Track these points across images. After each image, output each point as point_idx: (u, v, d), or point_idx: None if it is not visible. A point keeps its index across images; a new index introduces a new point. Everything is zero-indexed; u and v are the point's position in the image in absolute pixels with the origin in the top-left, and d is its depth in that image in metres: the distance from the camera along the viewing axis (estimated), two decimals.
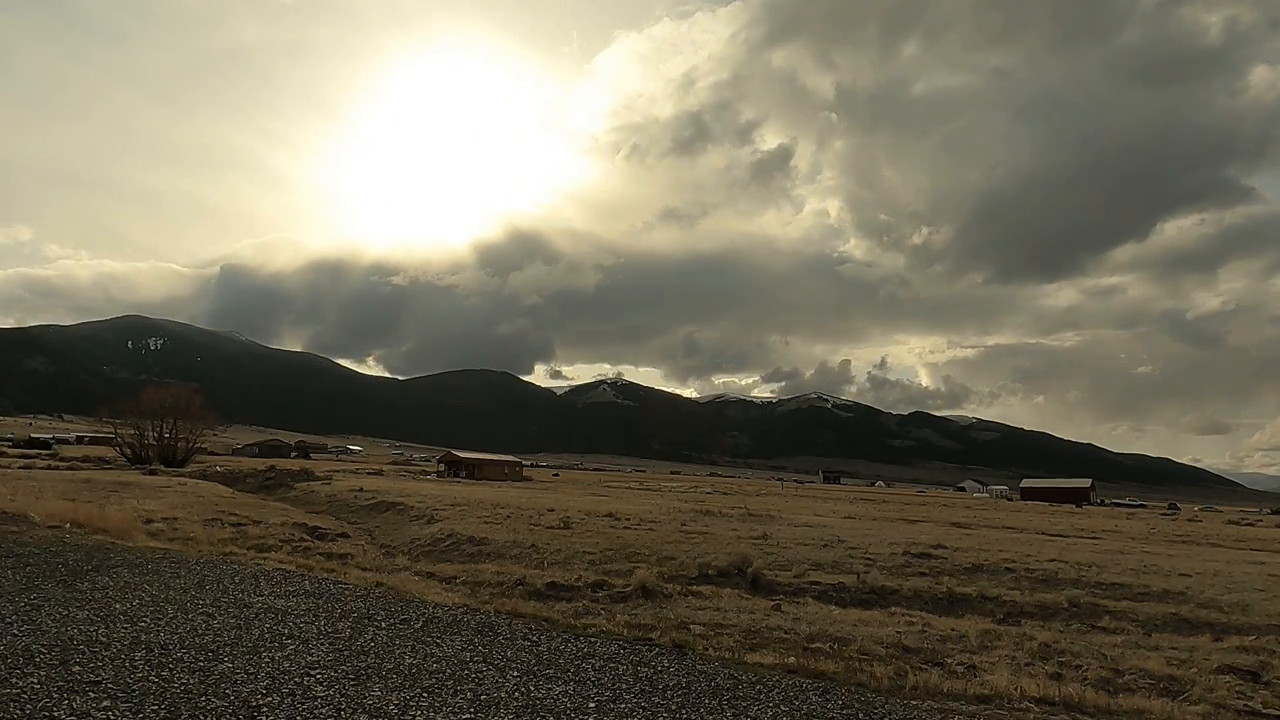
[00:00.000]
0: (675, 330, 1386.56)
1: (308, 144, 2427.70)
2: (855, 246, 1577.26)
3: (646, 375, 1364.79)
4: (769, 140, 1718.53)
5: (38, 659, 5.25)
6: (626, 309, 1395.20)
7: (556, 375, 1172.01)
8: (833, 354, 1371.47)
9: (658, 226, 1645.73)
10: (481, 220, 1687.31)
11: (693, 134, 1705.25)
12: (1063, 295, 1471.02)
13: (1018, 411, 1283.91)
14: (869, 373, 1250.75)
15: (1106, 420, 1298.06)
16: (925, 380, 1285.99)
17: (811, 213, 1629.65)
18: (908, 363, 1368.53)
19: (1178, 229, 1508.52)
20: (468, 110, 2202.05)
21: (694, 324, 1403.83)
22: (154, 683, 4.95)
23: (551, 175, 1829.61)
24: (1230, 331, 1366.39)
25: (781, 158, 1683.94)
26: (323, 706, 4.74)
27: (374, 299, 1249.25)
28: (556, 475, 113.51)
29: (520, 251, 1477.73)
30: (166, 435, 63.91)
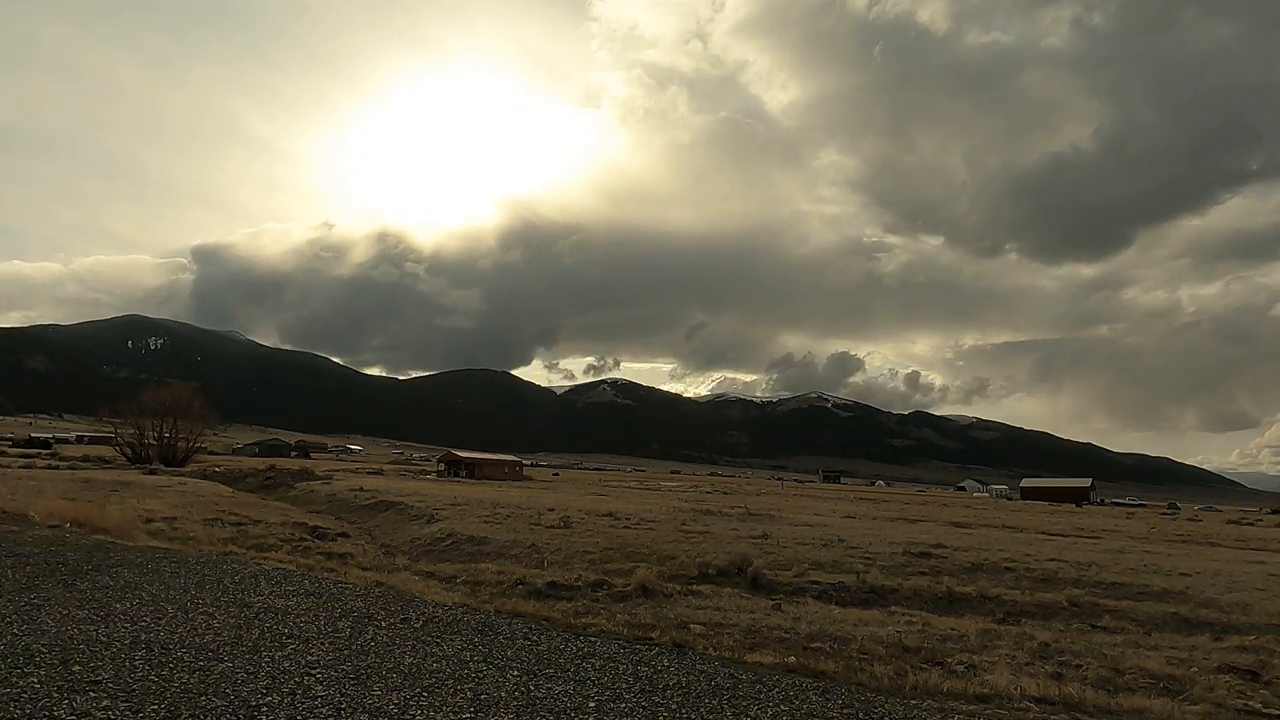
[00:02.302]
0: (682, 320, 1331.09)
1: (301, 120, 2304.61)
2: (882, 227, 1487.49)
3: (650, 370, 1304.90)
4: (791, 99, 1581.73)
5: (38, 658, 5.25)
6: (632, 296, 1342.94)
7: (553, 367, 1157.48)
8: (845, 346, 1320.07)
9: (664, 204, 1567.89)
10: (479, 204, 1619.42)
11: (705, 93, 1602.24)
12: (1097, 284, 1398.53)
13: (1034, 408, 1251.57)
14: (887, 369, 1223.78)
15: (1125, 417, 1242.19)
16: (941, 377, 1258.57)
17: (836, 188, 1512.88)
18: (926, 357, 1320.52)
19: (1243, 208, 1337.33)
20: (467, 86, 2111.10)
21: (702, 313, 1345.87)
22: (154, 682, 4.96)
23: (554, 150, 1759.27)
24: (1269, 324, 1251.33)
25: (806, 121, 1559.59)
26: (323, 706, 4.74)
27: (367, 288, 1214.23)
28: (556, 475, 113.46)
29: (521, 237, 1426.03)
30: (166, 435, 63.91)
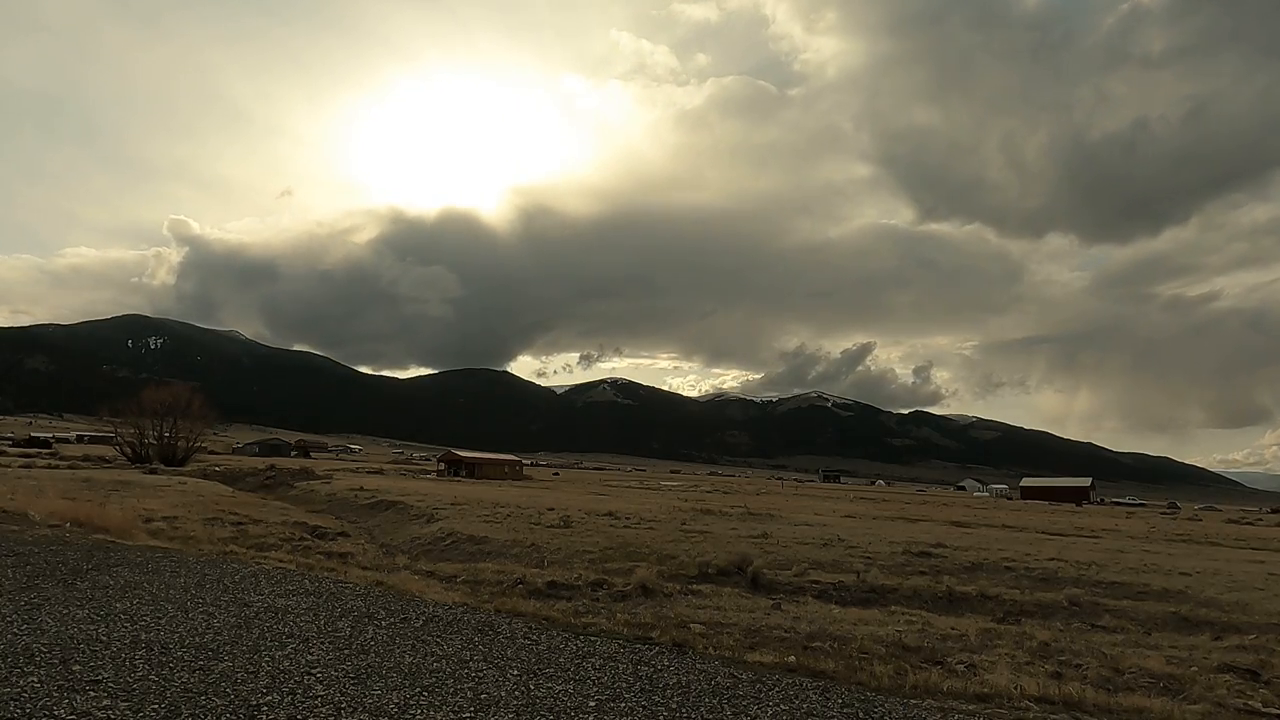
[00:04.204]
0: (688, 311, 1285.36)
1: (289, 93, 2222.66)
2: (909, 211, 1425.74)
3: (652, 364, 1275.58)
4: (819, 61, 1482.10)
5: (38, 658, 5.25)
6: (636, 285, 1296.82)
7: (550, 359, 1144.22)
8: (858, 339, 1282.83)
9: (672, 183, 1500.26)
10: (476, 186, 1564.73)
11: (723, 50, 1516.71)
12: (1132, 274, 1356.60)
13: (1052, 404, 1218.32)
14: (897, 365, 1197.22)
15: (1141, 417, 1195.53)
16: (961, 372, 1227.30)
17: (862, 163, 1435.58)
18: (943, 351, 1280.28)
19: None
20: (469, 63, 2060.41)
21: (709, 303, 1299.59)
22: (154, 682, 4.95)
23: (558, 127, 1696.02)
24: None
25: (833, 84, 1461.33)
26: (323, 705, 4.74)
27: (358, 276, 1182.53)
28: (556, 474, 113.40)
29: (520, 223, 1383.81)
30: (167, 434, 63.88)
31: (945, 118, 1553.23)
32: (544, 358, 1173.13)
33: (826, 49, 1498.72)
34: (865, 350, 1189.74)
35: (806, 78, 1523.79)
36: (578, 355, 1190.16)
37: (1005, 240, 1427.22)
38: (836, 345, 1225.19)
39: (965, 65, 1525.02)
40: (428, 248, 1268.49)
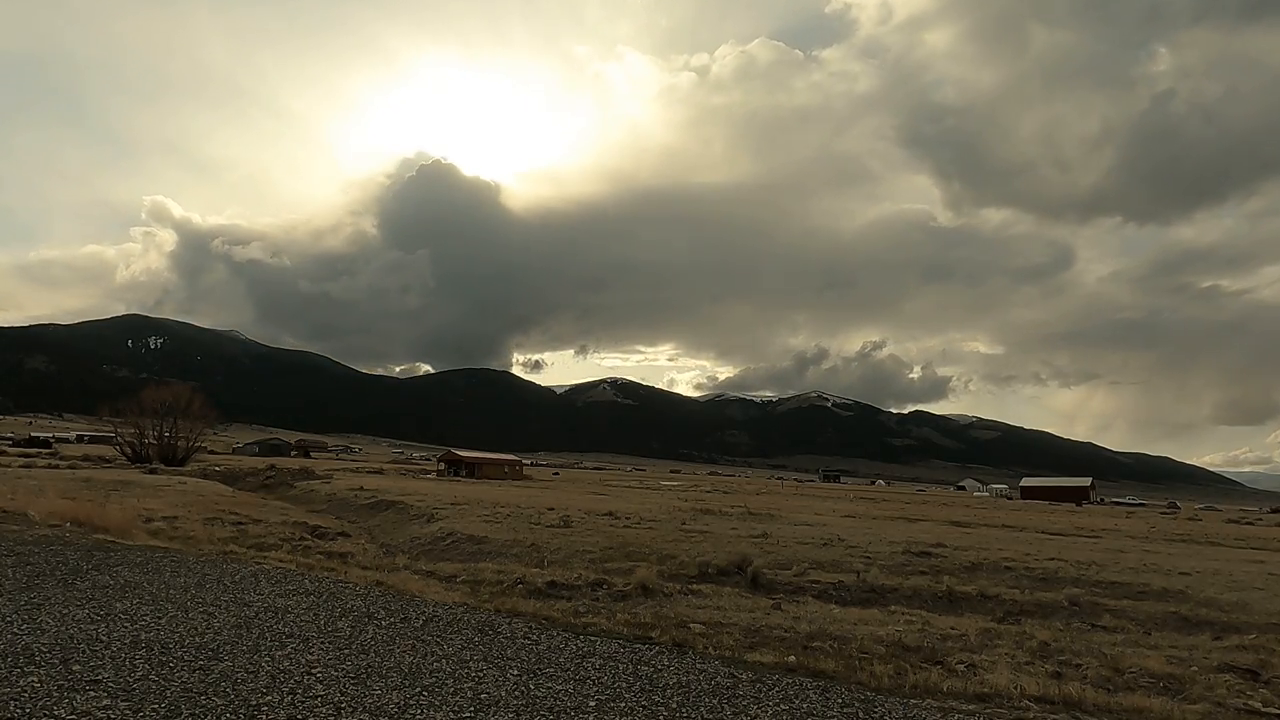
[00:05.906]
0: (691, 303, 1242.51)
1: (284, 75, 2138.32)
2: (937, 192, 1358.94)
3: (655, 360, 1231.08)
4: (848, 20, 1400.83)
5: (38, 658, 5.26)
6: (640, 276, 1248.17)
7: (542, 353, 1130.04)
8: (872, 330, 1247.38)
9: (679, 170, 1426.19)
10: (479, 175, 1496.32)
11: (735, 15, 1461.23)
12: (1168, 265, 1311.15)
13: (1063, 403, 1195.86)
14: (909, 360, 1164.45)
15: (1152, 419, 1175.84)
16: (965, 369, 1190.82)
17: (885, 144, 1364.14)
18: (956, 347, 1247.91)
19: None
20: (470, 39, 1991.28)
21: (716, 292, 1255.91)
22: (154, 681, 4.96)
23: (566, 110, 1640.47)
24: None
25: (857, 49, 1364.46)
26: (322, 705, 4.74)
27: (352, 269, 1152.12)
28: (556, 474, 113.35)
29: (520, 212, 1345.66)
30: (167, 434, 63.90)
31: (984, 88, 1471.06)
32: (539, 354, 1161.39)
33: (859, 5, 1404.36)
34: (879, 344, 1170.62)
35: (833, 40, 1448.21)
36: (574, 349, 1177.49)
37: (1043, 229, 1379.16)
38: (847, 338, 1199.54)
39: (1009, 27, 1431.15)
40: (422, 235, 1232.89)
